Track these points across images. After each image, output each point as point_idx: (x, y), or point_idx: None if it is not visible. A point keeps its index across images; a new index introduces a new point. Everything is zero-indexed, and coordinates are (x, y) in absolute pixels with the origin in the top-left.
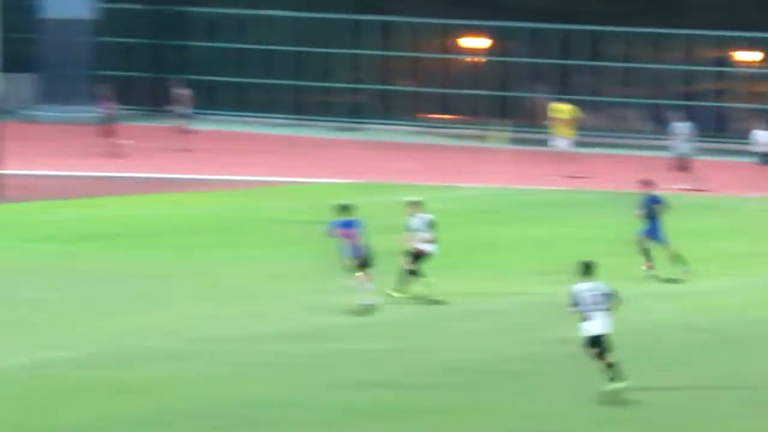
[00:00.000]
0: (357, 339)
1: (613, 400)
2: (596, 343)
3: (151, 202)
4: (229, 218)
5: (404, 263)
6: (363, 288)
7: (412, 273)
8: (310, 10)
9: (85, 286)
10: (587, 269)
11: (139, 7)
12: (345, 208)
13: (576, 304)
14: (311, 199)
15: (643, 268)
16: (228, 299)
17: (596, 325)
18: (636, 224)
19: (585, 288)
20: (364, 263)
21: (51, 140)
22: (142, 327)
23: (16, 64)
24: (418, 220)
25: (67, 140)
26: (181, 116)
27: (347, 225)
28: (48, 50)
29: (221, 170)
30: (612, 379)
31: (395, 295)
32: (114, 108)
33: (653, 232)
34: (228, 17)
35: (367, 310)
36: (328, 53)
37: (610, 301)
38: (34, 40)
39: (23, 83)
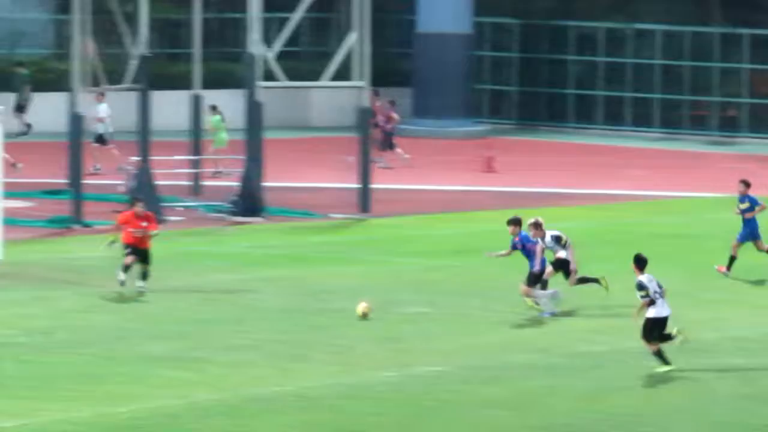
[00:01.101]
0: (729, 355)
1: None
2: (663, 325)
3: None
4: (599, 233)
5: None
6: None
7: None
8: (683, 24)
9: (460, 301)
10: (644, 262)
11: (513, 21)
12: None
13: (646, 295)
14: (682, 214)
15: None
16: (611, 314)
17: (663, 309)
18: None
19: (646, 279)
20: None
21: (423, 154)
22: (511, 341)
23: (390, 78)
24: (548, 239)
25: (439, 154)
26: (385, 132)
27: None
28: (422, 65)
29: (587, 184)
30: (666, 363)
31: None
32: (394, 120)
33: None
34: (600, 31)
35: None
36: (699, 66)
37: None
38: (406, 55)
39: (397, 98)
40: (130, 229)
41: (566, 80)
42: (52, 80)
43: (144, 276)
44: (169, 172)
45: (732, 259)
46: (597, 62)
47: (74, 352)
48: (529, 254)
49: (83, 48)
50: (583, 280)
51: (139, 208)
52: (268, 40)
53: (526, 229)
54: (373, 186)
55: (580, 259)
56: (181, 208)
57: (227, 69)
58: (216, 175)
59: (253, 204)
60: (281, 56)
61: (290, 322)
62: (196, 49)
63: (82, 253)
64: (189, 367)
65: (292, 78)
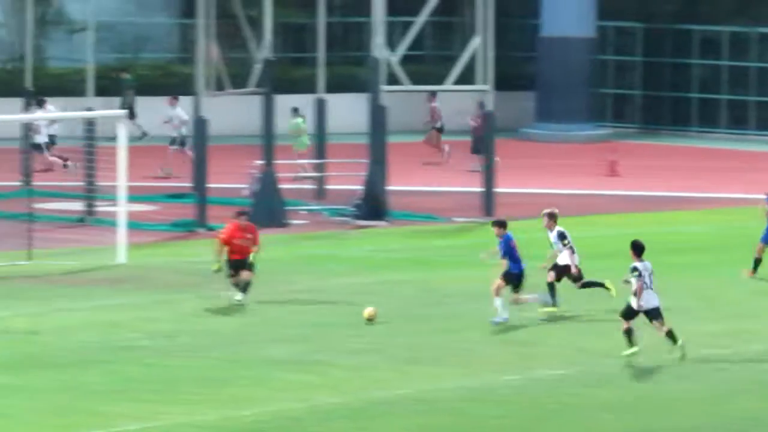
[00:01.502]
0: None
1: None
2: (652, 314)
3: (640, 220)
4: (722, 237)
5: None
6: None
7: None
8: None
9: (580, 304)
10: (641, 249)
11: (636, 25)
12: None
13: (640, 275)
14: None
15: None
16: (730, 317)
17: (653, 299)
18: None
19: (641, 266)
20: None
21: (545, 158)
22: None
23: (513, 82)
24: (554, 234)
25: (562, 158)
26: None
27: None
28: (546, 68)
29: (710, 188)
30: (675, 346)
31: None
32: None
33: None
34: (724, 34)
35: None
36: None
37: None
38: (530, 59)
39: (519, 101)
40: (236, 241)
41: (690, 84)
42: (176, 84)
43: (245, 288)
44: (293, 176)
45: (757, 261)
46: (720, 66)
47: (197, 355)
48: (511, 255)
49: (207, 52)
50: (589, 284)
51: (242, 221)
52: (391, 43)
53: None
54: (497, 189)
55: (709, 262)
56: (305, 212)
57: (351, 73)
58: (297, 179)
59: (377, 207)
60: (405, 60)
61: (412, 325)
62: (320, 52)
63: (205, 257)
64: (311, 370)
65: (415, 82)
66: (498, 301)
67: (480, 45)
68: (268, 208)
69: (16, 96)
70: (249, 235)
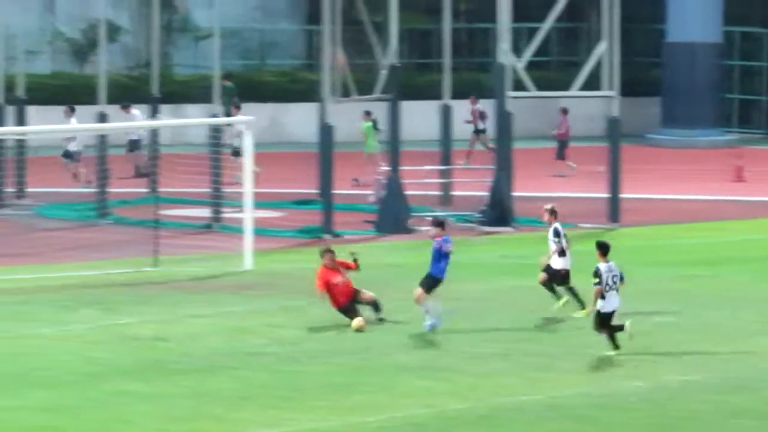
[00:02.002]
0: None
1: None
2: (609, 318)
3: (766, 226)
4: None
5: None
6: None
7: (551, 289)
8: None
9: (707, 310)
10: (606, 248)
11: (763, 30)
12: None
13: (599, 282)
14: None
15: None
16: None
17: (610, 303)
18: None
19: (605, 268)
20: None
21: (671, 164)
22: (761, 351)
23: (639, 88)
24: (551, 230)
25: (687, 163)
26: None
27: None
28: (671, 74)
29: None
30: (616, 347)
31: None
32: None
33: None
34: None
35: None
36: None
37: (621, 282)
38: (656, 65)
39: (646, 107)
40: (334, 282)
41: None
42: (303, 91)
43: (377, 307)
44: (419, 182)
45: None
46: None
47: (323, 361)
48: (440, 257)
49: (333, 58)
50: (573, 293)
51: (327, 260)
52: (517, 49)
53: None
54: (623, 195)
55: None
56: (430, 218)
57: (476, 79)
58: (355, 183)
59: (503, 214)
60: (530, 66)
61: (538, 331)
62: (446, 58)
63: None
64: (437, 376)
65: (541, 88)
66: (425, 307)
67: (605, 51)
68: (393, 214)
69: (142, 102)
70: (341, 271)
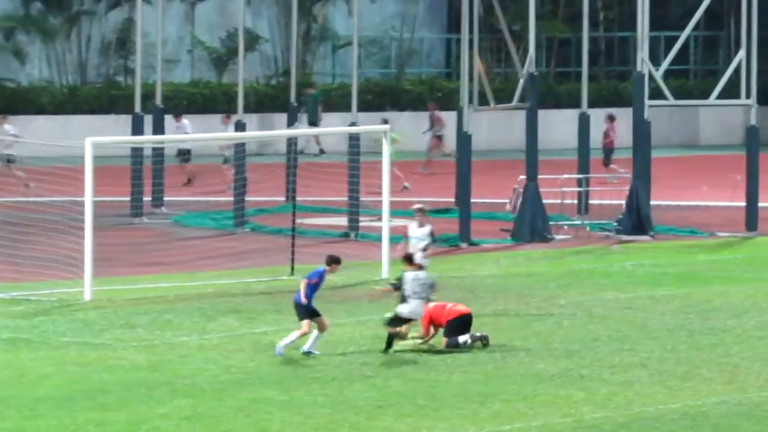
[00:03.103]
0: None
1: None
2: (400, 322)
3: None
4: None
5: None
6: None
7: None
8: None
9: None
10: (409, 260)
11: None
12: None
13: (400, 288)
14: None
15: None
16: None
17: (408, 308)
18: None
19: (411, 276)
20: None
21: None
22: None
23: None
24: (423, 230)
25: None
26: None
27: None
28: None
29: None
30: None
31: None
32: None
33: None
34: None
35: None
36: None
37: (429, 291)
38: None
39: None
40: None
41: None
42: (442, 99)
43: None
44: (557, 191)
45: None
46: None
47: (460, 370)
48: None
49: (472, 67)
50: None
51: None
52: (655, 58)
53: None
54: (761, 204)
55: None
56: (568, 227)
57: (615, 87)
58: (405, 189)
59: (641, 222)
60: (668, 74)
61: (677, 340)
62: (584, 67)
63: (468, 272)
64: (576, 385)
65: (679, 96)
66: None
67: (744, 59)
68: (531, 223)
69: (280, 111)
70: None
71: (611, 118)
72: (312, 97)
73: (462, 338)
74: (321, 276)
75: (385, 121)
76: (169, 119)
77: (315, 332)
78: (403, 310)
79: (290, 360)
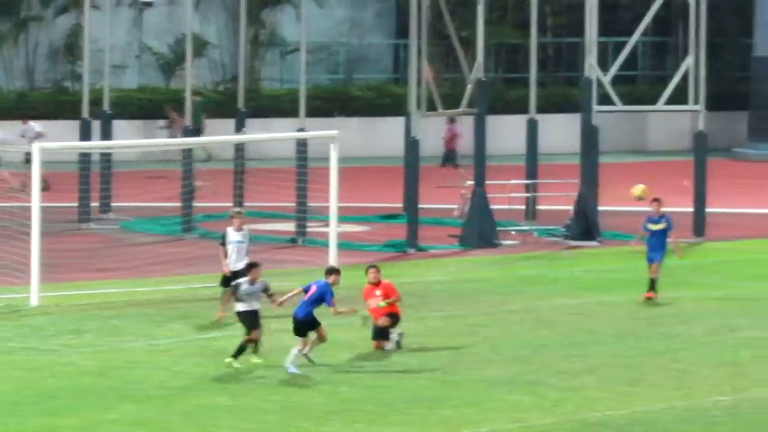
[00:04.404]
0: None
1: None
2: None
3: None
4: None
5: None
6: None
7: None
8: None
9: None
10: (249, 268)
11: None
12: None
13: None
14: None
15: None
16: None
17: (242, 306)
18: None
19: (246, 281)
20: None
21: (758, 178)
22: None
23: (726, 102)
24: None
25: None
26: None
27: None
28: (759, 88)
29: None
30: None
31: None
32: None
33: None
34: None
35: None
36: None
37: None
38: (743, 79)
39: (733, 121)
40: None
41: None
42: (390, 105)
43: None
44: (505, 197)
45: None
46: None
47: (410, 376)
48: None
49: (420, 73)
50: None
51: (371, 276)
52: (604, 64)
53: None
54: (709, 210)
55: None
56: (516, 232)
57: (563, 93)
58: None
59: (589, 228)
60: (617, 80)
61: (625, 345)
62: (532, 73)
63: (417, 278)
64: (524, 390)
65: (628, 102)
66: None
67: (692, 65)
68: (479, 228)
69: (229, 117)
70: (378, 292)
71: (452, 120)
72: (199, 104)
73: (389, 346)
74: (324, 290)
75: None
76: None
77: (296, 349)
78: (238, 308)
79: (238, 366)
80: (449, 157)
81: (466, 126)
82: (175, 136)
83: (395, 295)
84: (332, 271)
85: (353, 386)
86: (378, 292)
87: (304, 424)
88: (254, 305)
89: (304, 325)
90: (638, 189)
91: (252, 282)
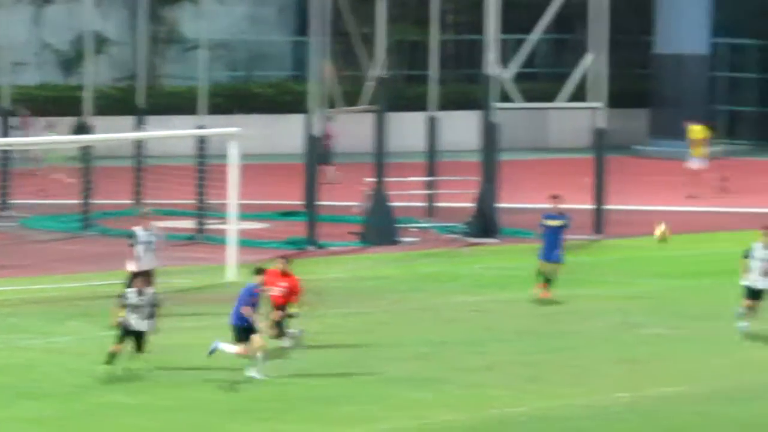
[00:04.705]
0: None
1: None
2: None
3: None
4: None
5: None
6: None
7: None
8: None
9: (696, 322)
10: (139, 276)
11: (751, 42)
12: None
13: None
14: None
15: None
16: None
17: (136, 322)
18: None
19: (132, 291)
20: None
21: (658, 175)
22: (748, 362)
23: (627, 99)
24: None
25: (675, 175)
26: None
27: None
28: (660, 85)
29: None
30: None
31: None
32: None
33: None
34: None
35: None
36: None
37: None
38: (644, 76)
39: (634, 119)
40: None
41: None
42: (291, 102)
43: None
44: (405, 194)
45: None
46: None
47: (314, 373)
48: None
49: (321, 70)
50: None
51: (280, 265)
52: (505, 61)
53: None
54: (607, 207)
55: None
56: (416, 230)
57: (464, 90)
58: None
59: (488, 225)
60: (518, 77)
61: (525, 343)
62: (433, 70)
63: (316, 276)
64: (426, 387)
65: (528, 99)
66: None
67: (593, 62)
68: (380, 226)
69: (128, 114)
70: (284, 283)
71: (328, 119)
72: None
73: (287, 343)
74: (251, 292)
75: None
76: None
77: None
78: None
79: (138, 364)
80: (324, 156)
81: (342, 124)
82: (28, 136)
83: (298, 294)
84: (258, 271)
85: (257, 384)
86: (283, 284)
87: (208, 422)
88: (141, 325)
89: (241, 330)
90: (659, 230)
91: (140, 292)
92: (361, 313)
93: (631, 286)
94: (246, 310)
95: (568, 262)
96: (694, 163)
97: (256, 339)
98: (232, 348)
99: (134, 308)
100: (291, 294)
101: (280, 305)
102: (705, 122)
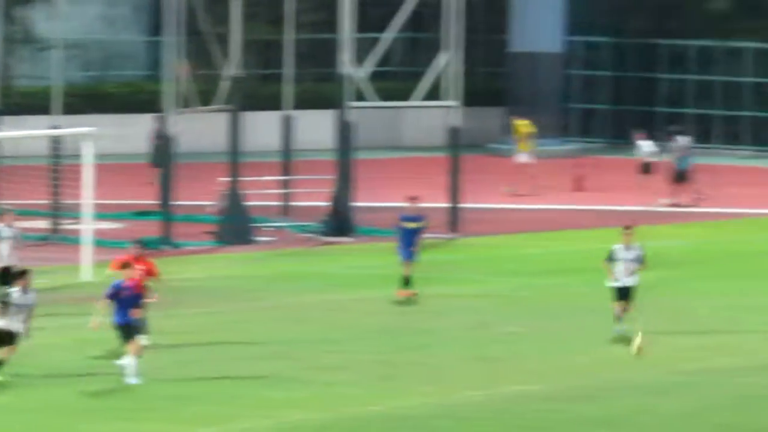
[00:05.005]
0: None
1: None
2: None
3: (607, 235)
4: (699, 251)
5: None
6: None
7: None
8: None
9: (552, 320)
10: (19, 275)
11: (605, 39)
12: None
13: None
14: None
15: None
16: (703, 332)
17: (12, 322)
18: None
19: (16, 291)
20: None
21: (513, 174)
22: (601, 361)
23: (482, 98)
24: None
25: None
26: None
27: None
28: (515, 84)
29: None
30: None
31: None
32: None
33: None
34: (692, 49)
35: None
36: None
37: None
38: (498, 75)
39: (490, 117)
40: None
41: (657, 98)
42: (145, 102)
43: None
44: (260, 193)
45: None
46: (687, 80)
47: (166, 373)
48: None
49: (176, 69)
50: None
51: (135, 250)
52: (360, 60)
53: None
54: (462, 205)
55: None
56: (272, 229)
57: (319, 89)
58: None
59: (343, 224)
60: (373, 76)
61: (379, 341)
62: (288, 69)
63: (172, 275)
64: (277, 386)
65: (383, 98)
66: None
67: (448, 61)
68: (234, 225)
69: None
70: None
71: (159, 121)
72: None
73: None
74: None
75: None
76: None
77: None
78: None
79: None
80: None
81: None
82: None
83: (155, 276)
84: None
85: (110, 384)
86: (140, 267)
87: (62, 422)
88: (15, 326)
89: (126, 329)
90: (636, 344)
91: (24, 291)
92: (216, 312)
93: (485, 284)
94: (135, 312)
95: (423, 261)
96: (522, 158)
97: (140, 340)
98: (130, 358)
99: (18, 308)
100: (149, 276)
101: (138, 293)
102: (530, 117)
